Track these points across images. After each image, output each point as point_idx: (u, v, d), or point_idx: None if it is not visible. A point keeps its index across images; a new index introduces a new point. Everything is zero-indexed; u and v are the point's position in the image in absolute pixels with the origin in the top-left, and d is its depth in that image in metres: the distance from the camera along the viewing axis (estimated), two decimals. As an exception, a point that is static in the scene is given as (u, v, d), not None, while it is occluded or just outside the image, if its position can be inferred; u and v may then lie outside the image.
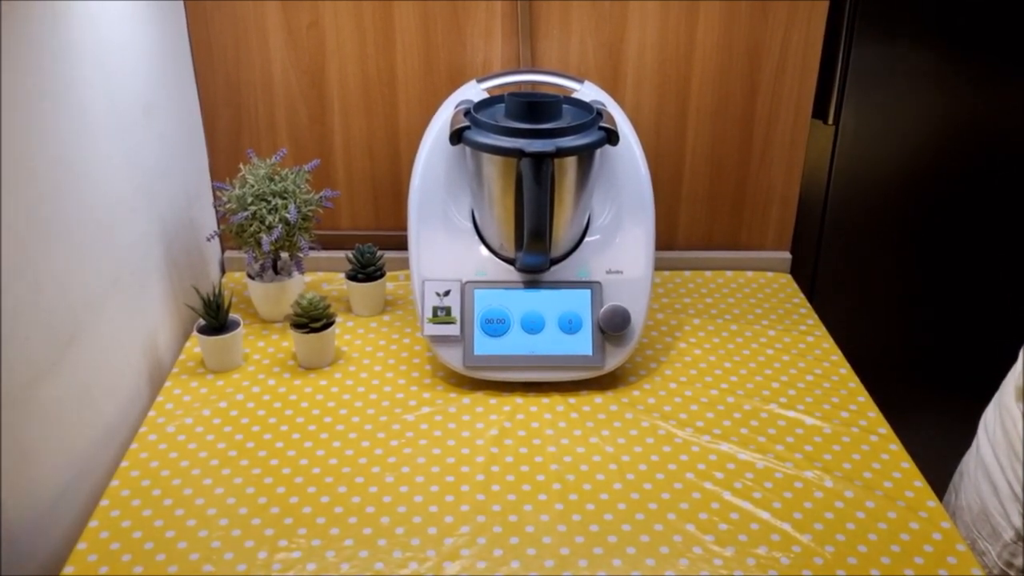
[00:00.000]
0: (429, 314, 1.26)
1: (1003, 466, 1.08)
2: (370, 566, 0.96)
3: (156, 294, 1.30)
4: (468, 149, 1.24)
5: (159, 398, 1.24)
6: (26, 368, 0.94)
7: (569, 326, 1.26)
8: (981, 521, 1.09)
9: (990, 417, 1.15)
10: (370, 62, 1.47)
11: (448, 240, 1.30)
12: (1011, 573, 1.06)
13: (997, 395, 1.15)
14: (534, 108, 1.20)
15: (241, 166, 1.38)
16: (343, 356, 1.34)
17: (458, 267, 1.29)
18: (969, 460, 1.18)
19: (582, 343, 1.26)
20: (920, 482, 1.10)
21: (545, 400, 1.24)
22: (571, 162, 1.20)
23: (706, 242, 1.63)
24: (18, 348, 0.92)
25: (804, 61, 1.48)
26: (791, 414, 1.22)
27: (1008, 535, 1.06)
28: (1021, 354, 1.08)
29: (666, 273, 1.60)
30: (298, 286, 1.42)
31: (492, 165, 1.21)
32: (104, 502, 1.05)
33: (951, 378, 1.81)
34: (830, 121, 1.61)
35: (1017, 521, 1.04)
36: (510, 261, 1.29)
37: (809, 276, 1.71)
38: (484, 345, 1.25)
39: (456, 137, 1.21)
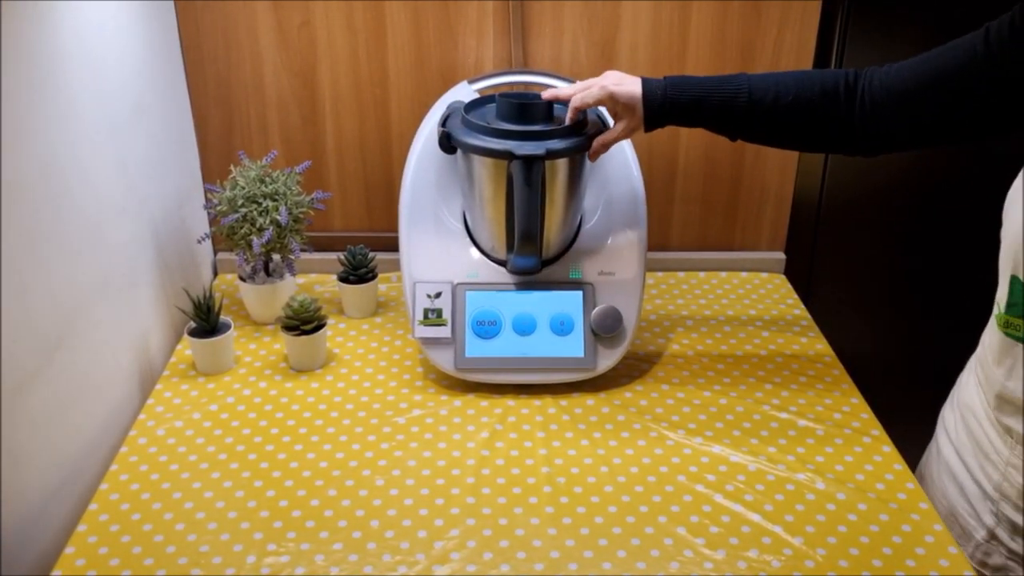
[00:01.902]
0: (420, 316, 1.25)
1: (970, 467, 1.08)
2: (359, 570, 0.96)
3: (146, 296, 1.29)
4: (459, 151, 1.23)
5: (149, 401, 1.23)
6: (14, 372, 0.94)
7: (561, 328, 1.26)
8: (950, 522, 1.09)
9: (948, 418, 1.15)
10: (362, 62, 1.47)
11: (439, 242, 1.30)
12: (985, 572, 1.06)
13: (954, 394, 1.15)
14: (524, 109, 1.20)
15: (232, 168, 1.37)
16: (334, 358, 1.34)
17: (449, 269, 1.28)
18: (930, 463, 1.17)
19: (574, 345, 1.25)
20: (912, 484, 1.09)
21: (537, 402, 1.24)
22: (562, 163, 1.20)
23: (700, 243, 1.62)
24: (6, 352, 0.92)
25: (798, 60, 1.48)
26: (784, 416, 1.22)
27: (980, 535, 1.06)
28: (973, 359, 1.08)
29: (659, 274, 1.60)
30: (290, 288, 1.41)
31: (483, 167, 1.21)
32: (93, 506, 1.04)
33: (945, 380, 1.80)
34: (824, 121, 1.60)
35: (989, 520, 1.04)
36: (502, 263, 1.29)
37: (803, 277, 1.70)
38: (475, 347, 1.25)
39: (446, 142, 1.21)
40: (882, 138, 1.05)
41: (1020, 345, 0.97)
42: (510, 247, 1.23)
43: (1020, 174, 0.97)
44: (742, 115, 1.07)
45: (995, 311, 1.01)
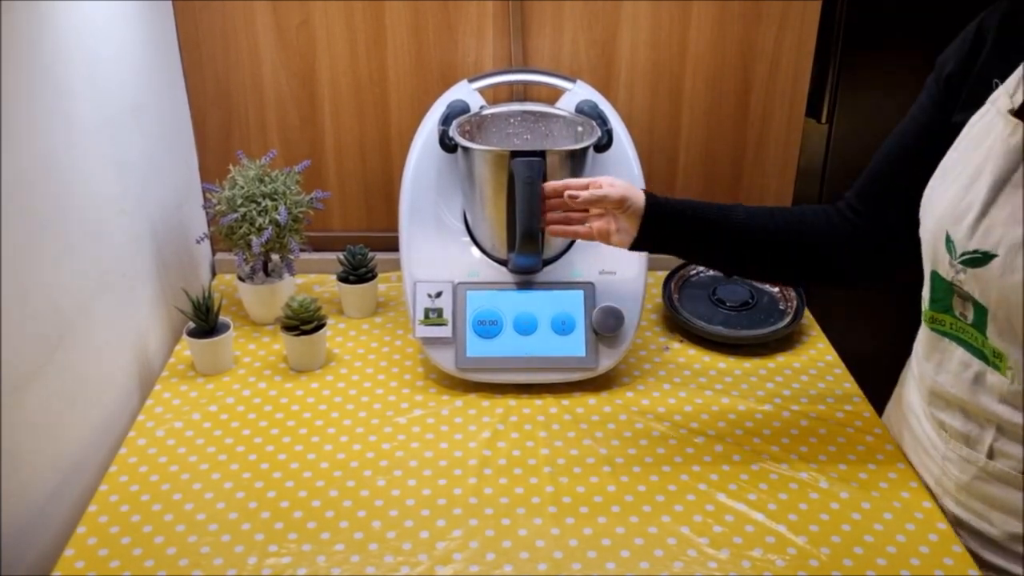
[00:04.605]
0: (421, 316, 1.25)
1: (913, 464, 1.11)
2: (361, 570, 0.95)
3: (145, 297, 1.29)
4: (460, 150, 1.23)
5: (148, 402, 1.23)
6: (14, 372, 0.93)
7: (562, 327, 1.25)
8: None
9: (892, 416, 1.18)
10: (361, 62, 1.46)
11: (440, 241, 1.29)
12: None
13: (895, 392, 1.17)
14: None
15: (231, 167, 1.36)
16: (334, 358, 1.33)
17: (450, 268, 1.28)
18: None
19: (575, 344, 1.25)
20: (916, 483, 1.09)
21: (538, 402, 1.24)
22: (563, 162, 1.19)
23: (700, 242, 1.62)
24: (5, 352, 0.91)
25: (797, 60, 1.48)
26: (786, 415, 1.21)
27: None
28: (912, 357, 1.09)
29: (660, 273, 1.59)
30: (289, 288, 1.41)
31: (484, 165, 1.20)
32: (92, 507, 1.04)
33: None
34: (824, 120, 1.60)
35: None
36: (502, 262, 1.28)
37: (803, 276, 1.70)
38: (476, 347, 1.24)
39: (446, 141, 1.20)
40: (878, 236, 1.07)
41: (946, 340, 0.99)
42: (511, 246, 1.23)
43: (935, 173, 0.98)
44: (735, 233, 1.07)
45: (923, 307, 1.02)
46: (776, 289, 1.46)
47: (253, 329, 1.40)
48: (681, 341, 1.38)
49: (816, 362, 1.33)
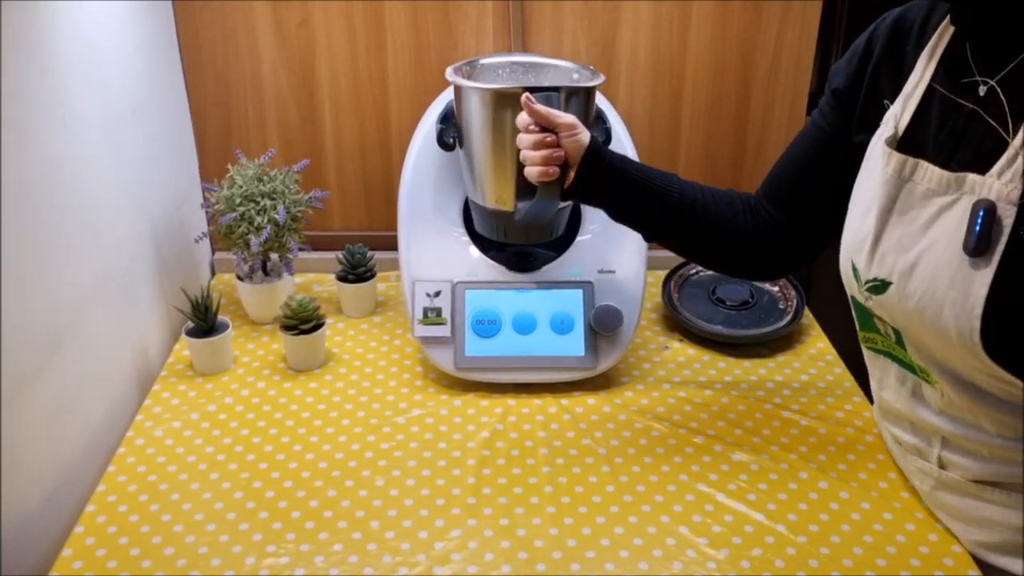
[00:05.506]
0: (419, 315, 1.25)
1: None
2: (360, 571, 0.95)
3: (144, 296, 1.29)
4: (462, 109, 1.18)
5: (147, 402, 1.22)
6: (12, 373, 0.93)
7: (561, 326, 1.25)
8: None
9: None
10: (360, 61, 1.46)
11: (439, 240, 1.29)
12: None
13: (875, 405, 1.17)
14: None
15: (229, 166, 1.36)
16: (333, 358, 1.33)
17: (449, 267, 1.27)
18: None
19: (574, 344, 1.24)
20: (916, 483, 1.09)
21: (537, 401, 1.23)
22: (573, 101, 1.13)
23: (700, 241, 1.62)
24: (5, 352, 0.91)
25: (798, 58, 1.48)
26: (786, 415, 1.21)
27: None
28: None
29: (659, 272, 1.59)
30: (288, 287, 1.41)
31: (491, 109, 1.14)
32: (90, 508, 1.04)
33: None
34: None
35: None
36: (502, 261, 1.28)
37: (804, 275, 1.69)
38: (475, 346, 1.24)
39: (444, 138, 1.19)
40: (784, 235, 1.08)
41: (882, 357, 1.00)
42: (520, 194, 1.09)
43: (850, 200, 0.98)
44: (665, 201, 1.05)
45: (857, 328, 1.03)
46: (776, 288, 1.46)
47: (252, 328, 1.40)
48: (680, 340, 1.38)
49: (816, 361, 1.33)
